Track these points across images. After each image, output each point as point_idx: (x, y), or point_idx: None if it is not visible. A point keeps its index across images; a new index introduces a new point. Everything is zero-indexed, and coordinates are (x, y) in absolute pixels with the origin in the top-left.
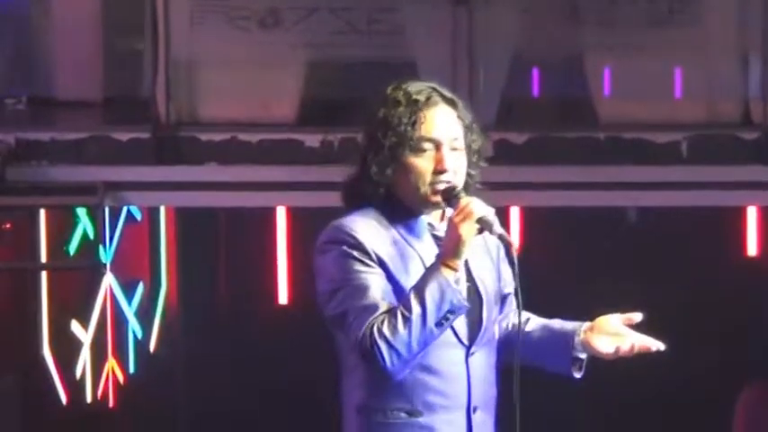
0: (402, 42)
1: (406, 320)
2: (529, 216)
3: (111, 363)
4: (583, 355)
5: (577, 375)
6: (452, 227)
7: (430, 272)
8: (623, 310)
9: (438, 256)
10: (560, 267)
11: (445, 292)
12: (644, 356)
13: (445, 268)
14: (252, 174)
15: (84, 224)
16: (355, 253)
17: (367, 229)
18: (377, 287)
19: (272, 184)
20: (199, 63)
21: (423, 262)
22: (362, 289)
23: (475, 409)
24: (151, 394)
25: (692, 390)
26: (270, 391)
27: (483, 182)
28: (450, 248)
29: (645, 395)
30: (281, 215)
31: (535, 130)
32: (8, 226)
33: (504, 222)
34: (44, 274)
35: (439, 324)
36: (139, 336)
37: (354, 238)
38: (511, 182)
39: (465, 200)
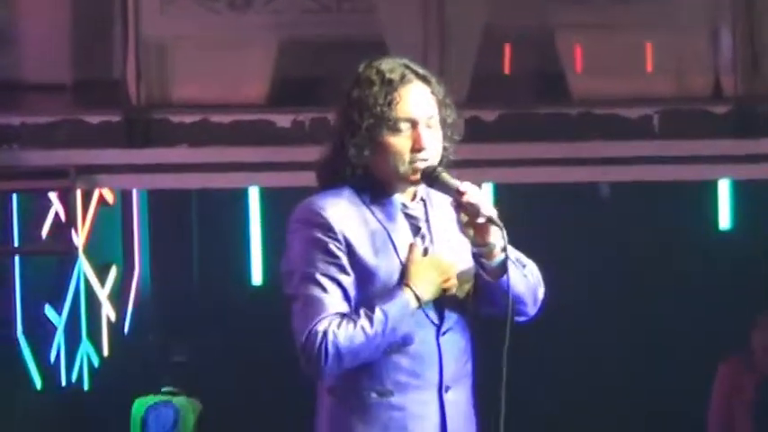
0: (372, 21)
1: (365, 335)
2: (502, 193)
3: (85, 346)
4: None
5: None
6: (432, 272)
7: (398, 297)
8: (596, 284)
9: (407, 284)
10: (534, 243)
11: (404, 322)
12: (613, 323)
13: (412, 298)
14: (224, 155)
15: (56, 208)
16: (322, 237)
17: (338, 208)
18: (334, 282)
19: (244, 164)
20: (169, 44)
21: (393, 243)
22: (319, 281)
23: (447, 389)
24: (125, 377)
25: (666, 361)
26: (245, 371)
27: (455, 159)
28: (426, 291)
29: (612, 361)
30: (254, 196)
31: (507, 106)
32: None
33: None
34: (17, 259)
35: (386, 350)
36: (113, 319)
37: (323, 217)
38: (483, 159)
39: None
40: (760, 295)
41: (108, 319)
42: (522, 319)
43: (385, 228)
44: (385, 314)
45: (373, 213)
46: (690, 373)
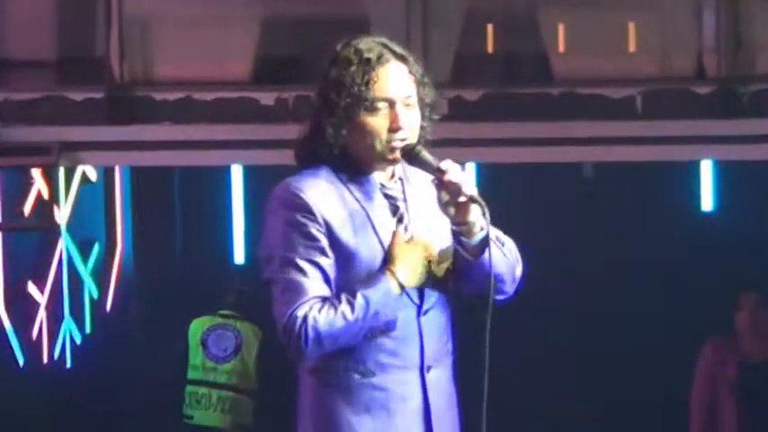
0: None
1: (345, 321)
2: (484, 172)
3: (67, 323)
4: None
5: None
6: (416, 258)
7: (381, 282)
8: (576, 265)
9: (390, 269)
10: (515, 222)
11: (387, 307)
12: (593, 305)
13: (395, 284)
14: (207, 132)
15: (39, 185)
16: (302, 219)
17: (317, 189)
18: (314, 266)
19: (227, 142)
20: (153, 22)
21: (372, 223)
22: (299, 265)
23: (429, 368)
24: (107, 354)
25: (649, 343)
26: None
27: (438, 138)
28: (410, 278)
29: (592, 343)
30: (237, 174)
31: (489, 86)
32: None
33: None
34: None
35: (366, 336)
36: (95, 296)
37: (302, 199)
38: (466, 138)
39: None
40: (743, 277)
41: (90, 296)
42: (500, 297)
43: (363, 207)
44: (366, 300)
45: (351, 193)
46: (673, 355)
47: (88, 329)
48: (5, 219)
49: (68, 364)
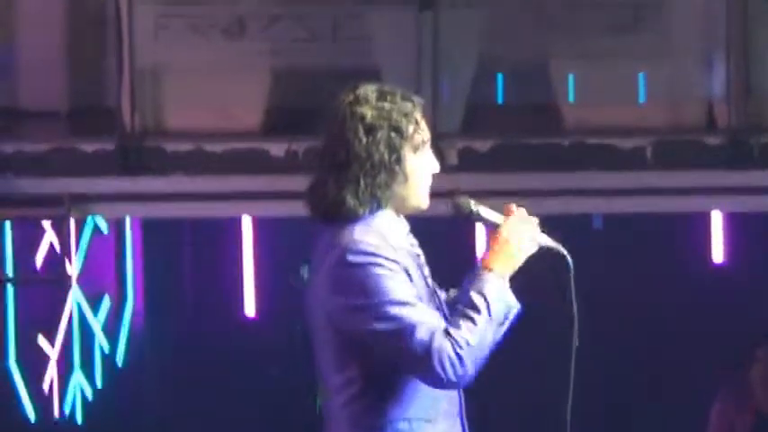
0: (367, 49)
1: (480, 324)
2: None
3: (78, 377)
4: None
5: None
6: (512, 246)
7: (488, 281)
8: (589, 320)
9: (486, 267)
10: (523, 273)
11: (501, 296)
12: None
13: (497, 276)
14: (217, 184)
15: (50, 236)
16: (391, 267)
17: (384, 239)
18: (417, 299)
19: (237, 193)
20: (164, 72)
21: (422, 270)
22: (409, 302)
23: (463, 413)
24: (119, 409)
25: (661, 396)
26: (238, 402)
27: (448, 190)
28: (506, 264)
29: (602, 399)
30: (247, 225)
31: (500, 136)
32: None
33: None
34: (10, 287)
35: (497, 330)
36: (106, 350)
37: (382, 250)
38: (476, 190)
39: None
40: (756, 329)
41: (101, 350)
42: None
43: (410, 255)
44: (483, 296)
45: (400, 240)
46: (685, 408)
47: (99, 384)
48: (16, 271)
49: (80, 420)
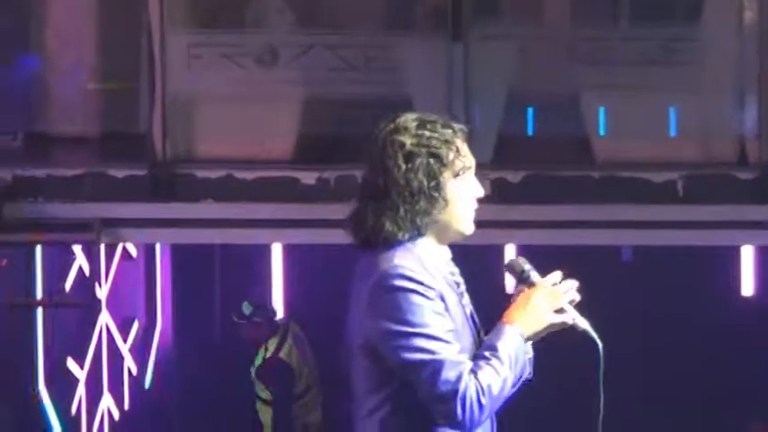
0: (398, 79)
1: (500, 375)
2: (524, 254)
3: (106, 400)
4: None
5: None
6: (539, 309)
7: (514, 337)
8: (617, 353)
9: (512, 323)
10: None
11: (520, 353)
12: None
13: (518, 335)
14: (248, 211)
15: (81, 261)
16: (428, 294)
17: (422, 265)
18: (451, 336)
19: (267, 221)
20: (195, 100)
21: (458, 294)
22: (439, 337)
23: None
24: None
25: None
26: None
27: (479, 220)
28: (532, 329)
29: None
30: (277, 252)
31: (531, 168)
32: (4, 262)
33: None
34: (40, 311)
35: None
36: (134, 373)
37: (421, 276)
38: (507, 220)
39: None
40: None
41: (129, 373)
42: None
43: (449, 284)
44: (506, 350)
45: (438, 268)
46: None
47: (126, 406)
48: (47, 294)
49: None
